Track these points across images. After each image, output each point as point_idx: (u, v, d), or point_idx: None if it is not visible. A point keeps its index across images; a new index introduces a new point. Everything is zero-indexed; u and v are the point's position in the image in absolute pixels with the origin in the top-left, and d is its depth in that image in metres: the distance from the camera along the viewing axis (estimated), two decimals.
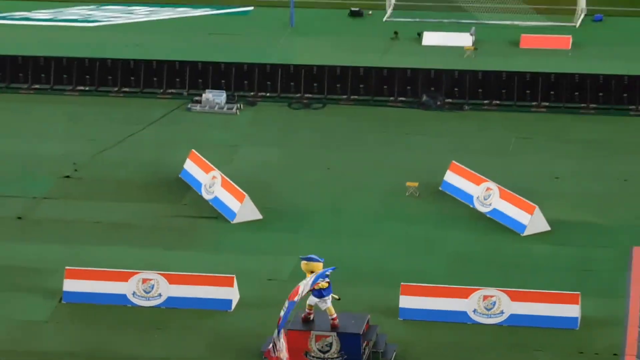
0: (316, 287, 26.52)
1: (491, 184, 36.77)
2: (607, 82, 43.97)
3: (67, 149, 40.69)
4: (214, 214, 35.89)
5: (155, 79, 44.50)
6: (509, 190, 35.91)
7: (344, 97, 43.62)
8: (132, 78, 44.88)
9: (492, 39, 48.43)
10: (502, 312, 30.05)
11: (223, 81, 44.09)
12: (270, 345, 27.75)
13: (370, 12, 50.51)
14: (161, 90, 44.74)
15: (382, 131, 41.73)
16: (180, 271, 30.50)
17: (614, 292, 31.56)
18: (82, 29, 48.88)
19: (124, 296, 29.80)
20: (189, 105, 43.55)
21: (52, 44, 48.07)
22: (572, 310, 29.42)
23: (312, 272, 26.07)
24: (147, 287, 30.11)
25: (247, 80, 44.21)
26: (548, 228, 34.62)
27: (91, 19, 49.93)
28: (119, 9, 50.75)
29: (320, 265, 25.96)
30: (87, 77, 44.72)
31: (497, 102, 43.41)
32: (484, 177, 36.71)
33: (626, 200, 37.49)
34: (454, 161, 37.71)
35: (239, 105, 43.33)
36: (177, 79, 44.66)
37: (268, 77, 44.30)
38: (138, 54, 46.69)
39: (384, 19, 49.78)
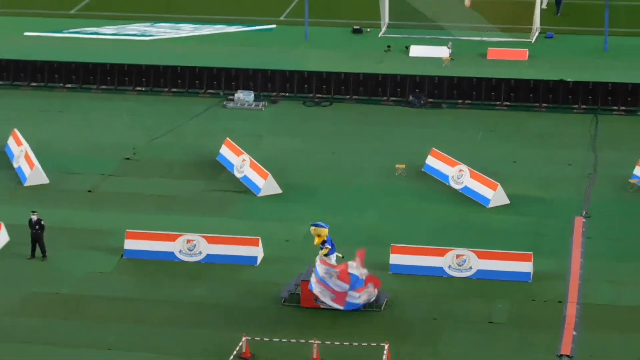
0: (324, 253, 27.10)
1: (463, 166, 36.90)
2: (556, 87, 43.99)
3: (128, 136, 40.74)
4: (243, 188, 35.95)
5: (197, 81, 44.67)
6: (477, 171, 35.96)
7: (347, 97, 43.83)
8: (179, 81, 44.99)
9: (465, 52, 48.36)
10: (470, 268, 30.47)
11: (251, 83, 44.29)
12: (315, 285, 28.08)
13: (368, 30, 50.69)
14: (202, 91, 44.96)
15: (377, 124, 41.73)
16: (216, 234, 30.86)
17: (560, 253, 31.57)
18: (140, 42, 48.89)
19: (172, 253, 30.44)
20: (224, 103, 43.63)
21: (116, 53, 48.00)
22: (526, 267, 29.91)
23: (319, 235, 26.66)
24: (190, 246, 30.79)
25: (270, 83, 44.42)
26: (508, 202, 34.85)
27: (147, 34, 50.15)
28: (168, 25, 50.85)
29: (326, 230, 26.93)
30: (144, 79, 44.78)
31: (469, 101, 43.59)
32: (457, 161, 36.76)
33: (570, 181, 37.46)
34: (433, 148, 37.78)
35: (263, 103, 43.46)
36: (215, 82, 44.89)
37: (287, 80, 44.45)
38: (184, 61, 46.68)
39: (379, 35, 49.91)
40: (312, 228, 27.06)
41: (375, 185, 36.80)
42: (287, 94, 44.28)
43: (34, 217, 29.74)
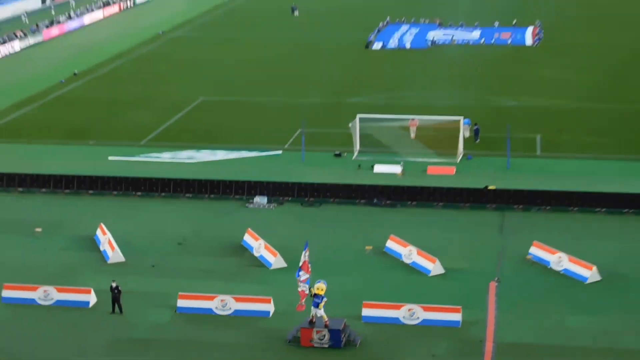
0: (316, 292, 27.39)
1: (412, 247, 36.83)
2: (475, 192, 44.29)
3: (180, 229, 40.68)
4: (260, 264, 35.83)
5: (227, 189, 44.86)
6: (422, 250, 35.94)
7: (331, 200, 44.06)
8: (215, 189, 45.12)
9: (412, 168, 48.46)
10: (418, 318, 30.28)
11: (265, 191, 44.47)
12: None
13: (345, 154, 51.00)
14: (231, 196, 45.18)
15: (353, 219, 41.79)
16: (241, 295, 30.71)
17: (480, 306, 31.31)
18: (188, 164, 49.08)
19: (210, 309, 30.22)
20: (247, 204, 43.70)
21: (172, 170, 48.04)
22: (457, 317, 29.60)
23: (323, 289, 28.09)
24: (223, 304, 30.59)
25: (278, 191, 44.72)
26: (443, 271, 34.67)
27: (193, 158, 50.62)
28: (208, 152, 51.23)
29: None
30: (191, 189, 44.98)
31: (415, 202, 43.75)
32: (408, 243, 36.73)
33: (486, 257, 37.42)
34: (392, 235, 37.72)
35: (274, 204, 43.65)
36: (240, 190, 45.09)
37: (290, 189, 44.68)
38: (219, 176, 46.81)
39: (353, 158, 50.21)
40: (322, 283, 27.76)
41: (352, 260, 36.74)
42: (290, 198, 44.58)
43: (114, 284, 29.99)
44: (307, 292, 28.72)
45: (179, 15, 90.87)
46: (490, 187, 43.58)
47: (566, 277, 35.08)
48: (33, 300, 32.37)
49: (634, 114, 56.06)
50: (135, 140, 53.67)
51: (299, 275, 29.12)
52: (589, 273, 34.74)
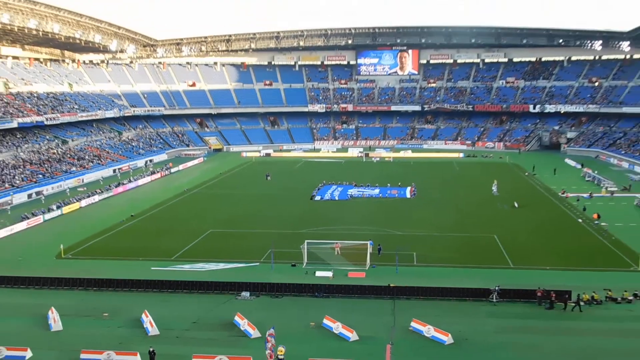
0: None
1: (339, 323, 37.19)
2: (378, 287, 43.61)
3: (192, 311, 40.85)
4: (244, 335, 35.55)
5: (225, 287, 44.48)
6: (345, 325, 35.95)
7: (290, 294, 43.91)
8: (217, 288, 44.59)
9: (339, 274, 48.39)
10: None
11: (248, 288, 43.91)
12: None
13: (298, 265, 50.98)
14: (227, 292, 44.66)
15: (303, 306, 41.70)
16: (233, 355, 30.53)
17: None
18: (200, 271, 48.75)
19: None
20: (236, 297, 43.32)
21: (190, 276, 47.63)
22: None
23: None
24: None
25: (256, 288, 44.11)
26: (357, 338, 34.56)
27: (204, 268, 50.19)
28: (212, 264, 51.03)
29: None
30: (202, 287, 44.83)
31: (340, 295, 43.56)
32: (336, 320, 36.92)
33: (384, 330, 37.61)
34: (327, 315, 37.73)
35: (253, 297, 43.17)
36: (232, 287, 44.53)
37: (263, 286, 44.28)
38: (219, 279, 46.32)
39: (303, 267, 50.09)
40: (282, 347, 29.71)
41: (302, 331, 37.08)
42: (264, 293, 44.13)
43: (151, 349, 30.43)
44: (273, 353, 28.98)
45: (196, 180, 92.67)
46: (392, 285, 43.56)
47: (433, 341, 35.17)
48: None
49: (469, 240, 57.43)
50: (168, 257, 53.94)
51: (266, 346, 29.62)
52: (447, 338, 34.95)
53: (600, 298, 41.60)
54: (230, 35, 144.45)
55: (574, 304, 40.42)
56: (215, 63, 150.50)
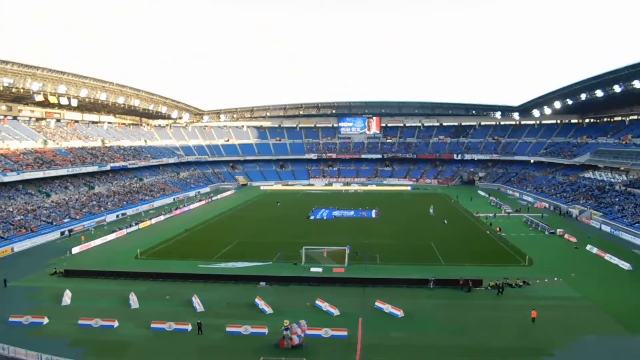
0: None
1: (327, 303, 36.36)
2: (354, 279, 43.87)
3: (217, 297, 40.52)
4: (262, 312, 35.48)
5: (249, 279, 43.89)
6: (331, 304, 35.01)
7: (294, 283, 43.01)
8: (244, 279, 44.01)
9: (327, 270, 48.12)
10: (329, 333, 29.80)
11: (264, 280, 43.34)
12: (284, 337, 27.78)
13: (297, 263, 50.34)
14: (251, 282, 44.02)
15: (303, 291, 41.41)
16: (254, 325, 29.44)
17: (355, 329, 31.12)
18: (232, 268, 48.72)
19: (239, 331, 29.00)
20: (257, 285, 42.96)
21: (225, 270, 47.26)
22: (344, 333, 29.43)
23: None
24: (246, 329, 29.18)
25: (270, 280, 43.46)
26: (339, 313, 34.23)
27: (234, 266, 49.72)
28: (240, 263, 50.42)
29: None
30: (234, 278, 44.49)
31: (328, 284, 42.88)
32: (325, 301, 36.27)
33: (356, 309, 36.97)
34: (319, 298, 37.13)
35: (268, 285, 42.68)
36: (254, 279, 43.88)
37: (275, 279, 43.98)
38: (246, 273, 46.14)
39: (302, 264, 49.79)
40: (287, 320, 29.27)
41: (302, 309, 36.38)
42: (275, 283, 43.39)
43: (199, 322, 29.62)
44: (287, 342, 28.30)
45: (230, 204, 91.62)
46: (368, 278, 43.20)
47: (390, 315, 35.06)
48: (163, 328, 31.75)
49: (414, 245, 57.02)
50: (209, 257, 53.38)
51: (291, 330, 28.85)
52: (400, 313, 34.92)
53: (501, 284, 41.88)
54: (252, 107, 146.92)
55: (497, 290, 40.75)
56: (243, 126, 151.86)
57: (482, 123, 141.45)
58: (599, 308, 36.23)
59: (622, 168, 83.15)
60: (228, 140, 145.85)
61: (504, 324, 33.86)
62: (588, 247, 53.28)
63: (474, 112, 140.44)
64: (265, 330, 30.85)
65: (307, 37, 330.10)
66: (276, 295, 39.39)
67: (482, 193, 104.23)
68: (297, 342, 28.23)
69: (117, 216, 79.63)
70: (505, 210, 79.27)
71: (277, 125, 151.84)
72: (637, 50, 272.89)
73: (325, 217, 76.99)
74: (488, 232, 63.02)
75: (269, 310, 35.53)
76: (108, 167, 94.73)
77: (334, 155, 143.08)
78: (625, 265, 46.75)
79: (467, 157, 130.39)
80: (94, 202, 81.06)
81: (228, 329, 31.01)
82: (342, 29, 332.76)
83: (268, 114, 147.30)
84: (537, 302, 36.77)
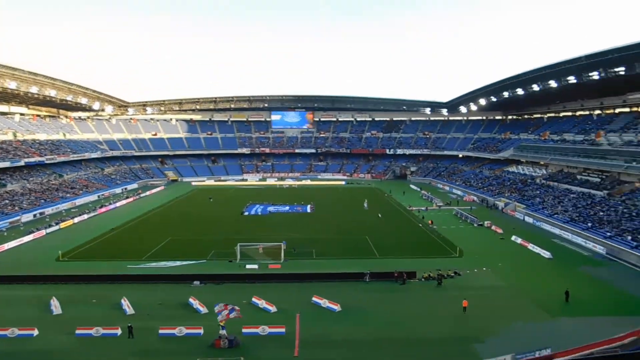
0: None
1: (263, 300, 36.26)
2: (290, 274, 44.01)
3: (153, 298, 39.07)
4: (196, 312, 34.69)
5: (183, 278, 42.76)
6: (268, 301, 34.94)
7: (228, 281, 42.39)
8: (177, 278, 42.81)
9: (263, 266, 47.92)
10: (266, 331, 29.53)
11: (198, 279, 42.39)
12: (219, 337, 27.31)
13: (232, 261, 49.58)
14: (182, 281, 42.92)
15: (238, 289, 40.84)
16: (189, 326, 28.54)
17: (293, 324, 31.10)
18: (164, 267, 46.89)
19: (174, 333, 28.00)
20: (191, 284, 41.92)
21: (156, 270, 45.80)
22: (282, 330, 29.25)
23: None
24: (180, 330, 28.29)
25: (204, 278, 42.48)
26: (276, 310, 34.29)
27: (166, 265, 48.03)
28: (172, 262, 48.87)
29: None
30: (166, 278, 43.13)
31: (264, 280, 42.68)
32: (261, 298, 36.00)
33: (293, 304, 37.11)
34: (255, 295, 36.84)
35: (202, 284, 41.75)
36: (188, 278, 42.82)
37: (208, 277, 43.18)
38: (179, 272, 44.75)
39: (237, 262, 49.20)
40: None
41: (239, 306, 36.03)
42: (209, 281, 42.54)
43: (129, 325, 28.54)
44: (224, 342, 28.02)
45: (160, 200, 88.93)
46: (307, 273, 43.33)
47: (327, 309, 35.40)
48: (89, 334, 30.24)
49: (349, 240, 57.91)
50: (139, 257, 51.38)
51: (221, 313, 28.69)
52: (337, 307, 35.34)
53: (434, 275, 43.64)
54: (181, 100, 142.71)
55: (437, 281, 42.35)
56: (171, 119, 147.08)
57: (413, 118, 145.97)
58: (524, 295, 38.73)
59: (542, 162, 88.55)
60: (156, 134, 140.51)
61: (438, 314, 35.37)
62: (513, 237, 56.52)
63: (405, 107, 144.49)
64: (201, 331, 30.10)
65: (237, 30, 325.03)
66: (211, 294, 38.50)
67: (414, 187, 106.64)
68: (235, 315, 28.63)
69: (35, 216, 74.43)
70: (436, 204, 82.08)
71: (207, 119, 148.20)
72: (554, 52, 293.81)
73: (260, 213, 76.43)
74: (420, 225, 64.87)
75: (204, 309, 34.64)
76: (22, 163, 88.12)
77: (267, 150, 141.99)
78: (546, 254, 50.13)
79: (399, 151, 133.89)
80: (7, 201, 75.32)
81: (161, 331, 29.93)
82: (274, 22, 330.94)
83: (198, 107, 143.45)
84: (467, 292, 38.64)
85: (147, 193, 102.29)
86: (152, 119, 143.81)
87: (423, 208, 78.11)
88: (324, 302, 35.87)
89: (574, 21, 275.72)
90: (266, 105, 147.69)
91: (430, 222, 65.90)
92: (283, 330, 29.99)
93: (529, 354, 26.74)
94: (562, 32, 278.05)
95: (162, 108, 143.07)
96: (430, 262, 47.95)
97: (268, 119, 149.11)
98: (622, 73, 68.97)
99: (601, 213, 60.01)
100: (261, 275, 43.38)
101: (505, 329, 32.35)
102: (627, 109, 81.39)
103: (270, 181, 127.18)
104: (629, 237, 50.34)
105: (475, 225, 64.63)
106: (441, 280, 41.87)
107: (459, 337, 31.37)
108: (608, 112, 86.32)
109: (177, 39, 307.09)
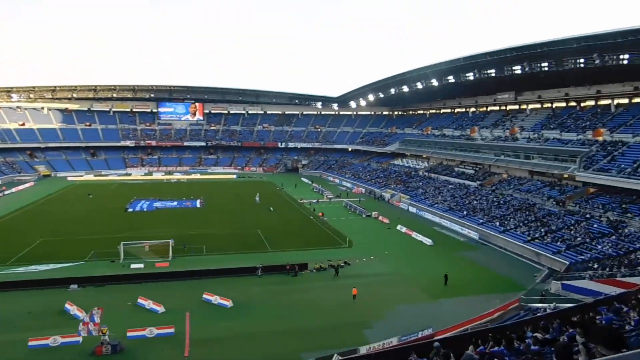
0: None
1: (150, 301, 34.93)
2: (179, 272, 42.69)
3: None
4: (74, 318, 32.15)
5: (59, 282, 39.43)
6: (155, 301, 33.77)
7: (110, 284, 40.07)
8: (51, 283, 39.43)
9: (149, 266, 45.98)
10: (153, 333, 28.64)
11: (75, 282, 39.43)
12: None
13: (116, 260, 46.80)
14: (57, 286, 39.61)
15: (121, 290, 38.66)
16: (66, 334, 26.49)
17: (183, 324, 30.26)
18: (34, 272, 42.94)
19: (47, 344, 25.58)
20: (67, 290, 38.81)
21: (25, 275, 41.69)
22: (171, 330, 28.47)
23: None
24: (55, 339, 26.21)
25: (81, 281, 39.81)
26: (164, 310, 33.19)
27: (37, 269, 43.93)
28: (44, 266, 44.79)
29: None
30: (38, 283, 39.12)
31: (150, 280, 40.81)
32: (147, 299, 34.45)
33: (184, 303, 36.04)
34: (140, 296, 35.31)
35: (80, 288, 38.87)
36: (64, 282, 39.62)
37: (87, 280, 40.20)
38: (52, 276, 41.07)
39: (121, 261, 46.45)
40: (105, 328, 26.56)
41: (124, 310, 34.09)
42: (88, 285, 39.81)
43: None
44: (106, 349, 26.41)
45: (30, 198, 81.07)
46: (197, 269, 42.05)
47: (219, 306, 34.98)
48: None
49: (241, 234, 57.97)
50: (3, 263, 46.78)
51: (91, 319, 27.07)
52: (229, 303, 35.05)
53: (325, 266, 45.06)
54: (55, 87, 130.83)
55: (334, 271, 43.81)
56: (43, 108, 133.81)
57: (305, 112, 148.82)
58: (408, 280, 41.80)
59: (424, 156, 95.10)
60: (24, 124, 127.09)
61: (329, 303, 36.78)
62: (398, 227, 60.04)
63: (297, 101, 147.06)
64: (80, 339, 27.94)
65: (121, 15, 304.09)
66: (91, 297, 36.54)
67: (305, 180, 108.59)
68: (98, 318, 27.34)
69: None
70: (327, 196, 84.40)
71: (86, 109, 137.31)
72: (440, 52, 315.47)
73: (145, 209, 73.12)
74: (312, 217, 66.38)
75: (82, 315, 32.19)
76: None
77: (153, 143, 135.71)
78: (427, 241, 54.07)
79: (291, 145, 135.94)
80: None
81: (31, 343, 27.37)
82: (157, 6, 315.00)
83: (75, 95, 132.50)
84: (357, 280, 40.77)
85: (13, 190, 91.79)
86: (19, 107, 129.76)
87: (314, 200, 79.83)
88: (215, 299, 35.39)
89: (463, 21, 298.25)
90: (152, 95, 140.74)
91: (321, 214, 67.61)
92: (172, 330, 29.02)
93: (413, 335, 28.92)
94: (453, 33, 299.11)
95: (32, 95, 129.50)
96: (321, 253, 49.35)
97: (155, 110, 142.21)
98: (493, 75, 77.25)
99: (475, 202, 66.25)
100: (148, 274, 41.86)
101: (391, 313, 34.64)
102: (497, 107, 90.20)
103: (157, 175, 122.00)
104: (497, 223, 56.33)
105: (364, 216, 67.55)
106: (337, 270, 43.37)
107: (349, 323, 32.92)
108: (481, 109, 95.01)
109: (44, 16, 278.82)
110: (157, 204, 78.43)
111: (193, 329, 30.19)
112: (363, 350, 25.83)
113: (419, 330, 29.79)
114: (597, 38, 49.70)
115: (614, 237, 43.07)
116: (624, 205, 48.01)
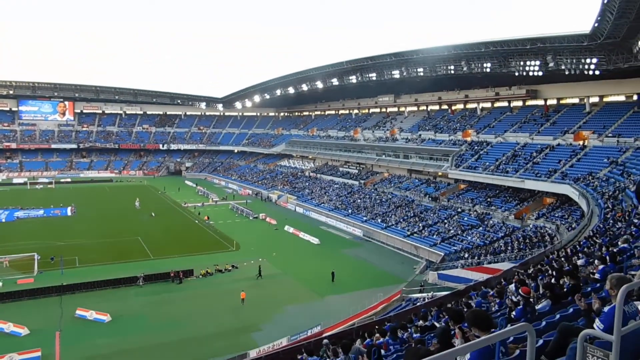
0: None
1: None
2: (47, 288, 38.30)
3: None
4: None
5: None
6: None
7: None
8: None
9: (8, 284, 41.19)
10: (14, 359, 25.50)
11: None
12: None
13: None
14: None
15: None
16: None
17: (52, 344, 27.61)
18: None
19: None
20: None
21: None
22: (38, 354, 25.67)
23: None
24: None
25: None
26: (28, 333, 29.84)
27: None
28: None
29: None
30: None
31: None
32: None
33: (48, 323, 32.85)
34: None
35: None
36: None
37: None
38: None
39: None
40: None
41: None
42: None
43: None
44: None
45: None
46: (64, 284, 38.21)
47: (95, 322, 32.44)
48: None
49: (120, 242, 54.52)
50: None
51: None
52: (106, 317, 32.73)
53: (212, 271, 43.99)
54: None
55: (209, 275, 42.51)
56: None
57: (188, 113, 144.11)
58: (296, 280, 42.36)
59: (310, 157, 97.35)
60: None
61: (218, 309, 35.96)
62: (286, 227, 60.59)
63: (179, 101, 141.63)
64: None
65: None
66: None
67: (189, 183, 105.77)
68: None
69: None
70: (212, 199, 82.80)
71: None
72: (336, 53, 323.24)
73: (4, 220, 65.21)
74: (197, 221, 64.84)
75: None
76: None
77: (13, 145, 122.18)
78: (314, 241, 55.27)
79: (174, 147, 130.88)
80: None
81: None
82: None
83: None
84: (245, 284, 40.48)
85: None
86: None
87: (199, 204, 77.83)
88: (91, 314, 33.12)
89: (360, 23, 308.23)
90: (12, 92, 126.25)
91: (206, 217, 66.11)
92: (39, 354, 26.33)
93: (302, 333, 29.31)
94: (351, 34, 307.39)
95: None
96: (208, 258, 48.22)
97: (15, 109, 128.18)
98: (374, 78, 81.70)
99: (359, 200, 69.39)
100: (7, 293, 37.62)
101: (280, 314, 34.90)
102: (378, 110, 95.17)
103: (19, 181, 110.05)
104: (380, 220, 59.55)
105: (251, 218, 67.23)
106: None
107: (238, 328, 32.55)
108: (364, 111, 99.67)
109: None
110: (19, 214, 70.87)
111: (64, 350, 27.65)
112: (253, 354, 25.61)
113: (307, 329, 30.24)
114: (464, 47, 54.48)
115: (481, 228, 47.64)
116: (488, 199, 54.23)
